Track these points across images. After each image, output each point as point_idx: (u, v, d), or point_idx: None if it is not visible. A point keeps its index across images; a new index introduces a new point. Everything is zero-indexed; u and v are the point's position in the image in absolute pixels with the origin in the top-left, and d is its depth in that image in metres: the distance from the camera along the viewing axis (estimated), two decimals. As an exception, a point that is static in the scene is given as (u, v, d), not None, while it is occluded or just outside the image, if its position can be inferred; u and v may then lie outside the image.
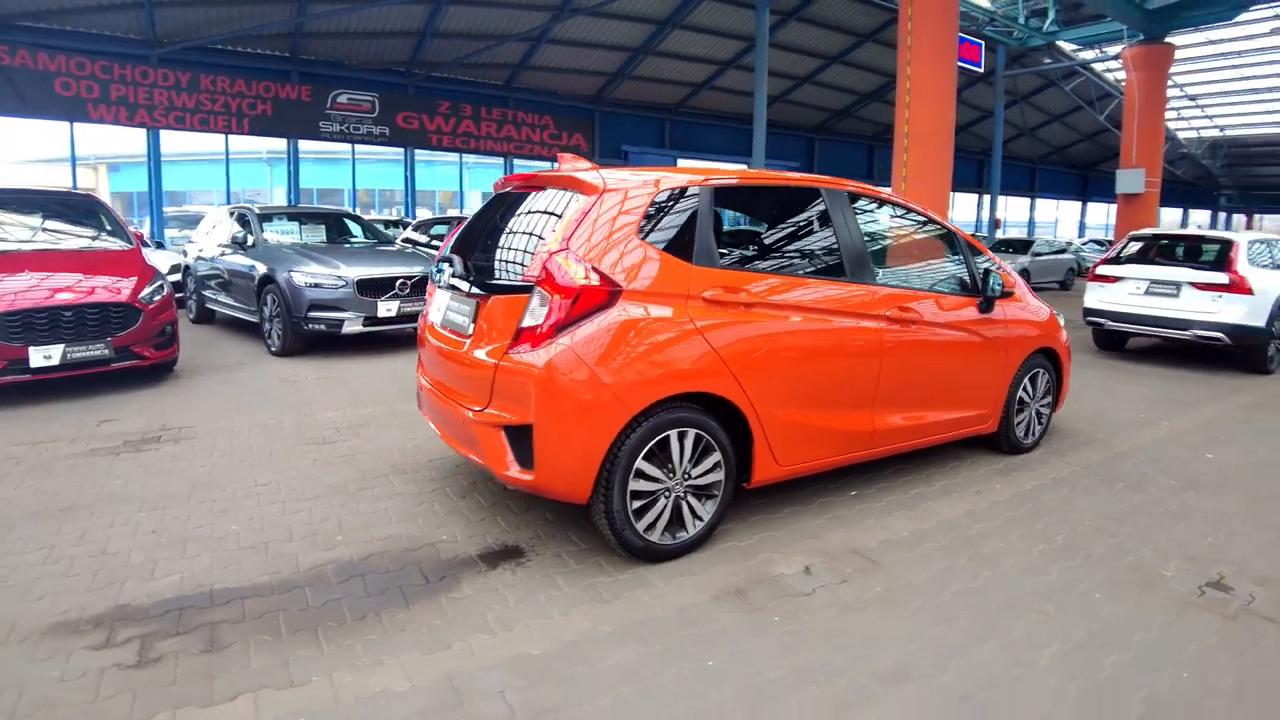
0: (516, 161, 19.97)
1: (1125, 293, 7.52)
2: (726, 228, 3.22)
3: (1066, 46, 21.43)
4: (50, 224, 6.03)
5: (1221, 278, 6.88)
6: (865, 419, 3.38)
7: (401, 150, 18.40)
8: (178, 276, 9.24)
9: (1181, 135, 29.94)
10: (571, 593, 2.58)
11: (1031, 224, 32.98)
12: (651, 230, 2.79)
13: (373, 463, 3.94)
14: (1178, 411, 5.56)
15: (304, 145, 16.96)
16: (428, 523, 3.17)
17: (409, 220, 14.64)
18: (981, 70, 17.61)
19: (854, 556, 2.94)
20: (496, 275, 2.95)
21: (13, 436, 4.30)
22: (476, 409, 2.78)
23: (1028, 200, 32.98)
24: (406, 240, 10.50)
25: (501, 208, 3.31)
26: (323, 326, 6.76)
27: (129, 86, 14.20)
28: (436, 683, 2.05)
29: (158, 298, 5.57)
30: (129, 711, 1.93)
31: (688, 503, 2.84)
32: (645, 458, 2.68)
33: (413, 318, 7.14)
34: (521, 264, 2.81)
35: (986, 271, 3.92)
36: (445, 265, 3.27)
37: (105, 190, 21.16)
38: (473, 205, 21.37)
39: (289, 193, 17.02)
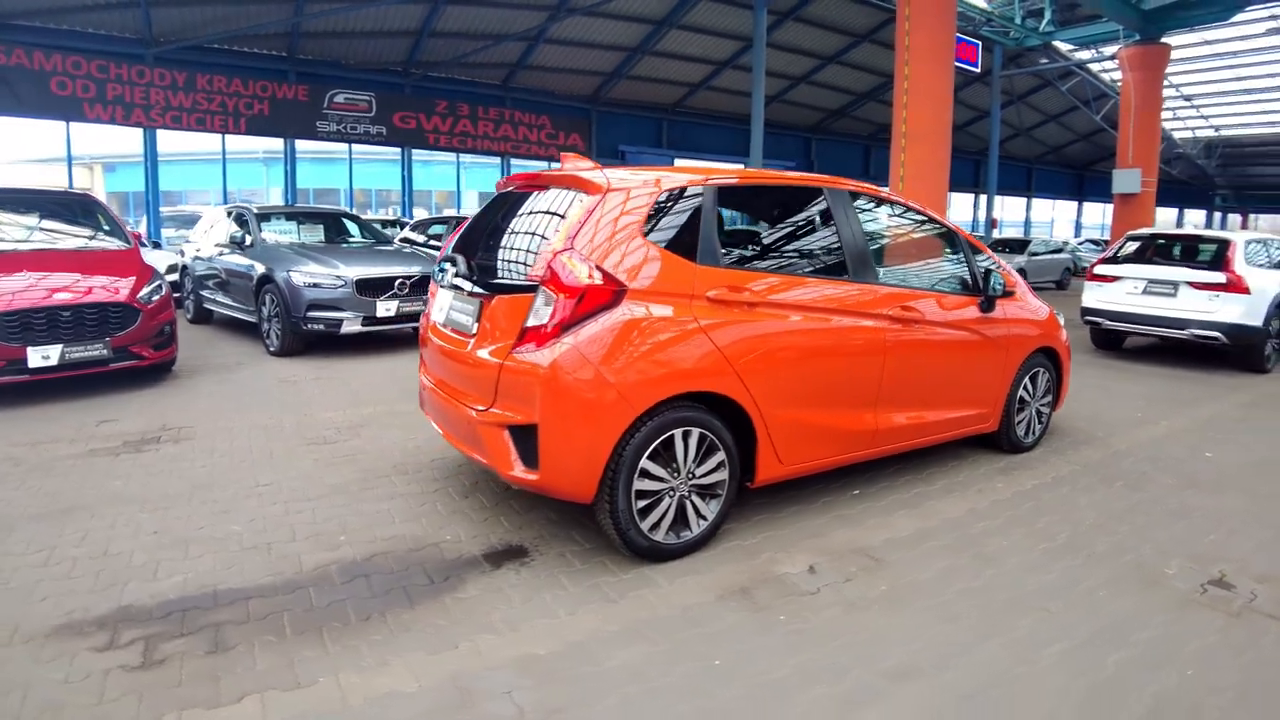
0: (513, 161, 19.96)
1: (1123, 292, 7.54)
2: (730, 227, 3.22)
3: (1063, 47, 21.48)
4: (47, 224, 6.00)
5: (1219, 277, 6.91)
6: (868, 418, 3.39)
7: (398, 150, 18.36)
8: (175, 276, 9.21)
9: (1177, 135, 30.06)
10: (577, 592, 2.58)
11: (1028, 224, 33.07)
12: (655, 230, 2.79)
13: (374, 463, 3.94)
14: (1176, 410, 5.58)
15: (300, 145, 16.91)
16: (431, 523, 3.17)
17: (406, 220, 14.62)
18: (978, 70, 17.66)
19: (858, 555, 2.94)
20: (500, 275, 2.94)
21: (11, 437, 4.28)
22: (480, 409, 2.78)
23: (1024, 200, 33.07)
24: (404, 240, 10.49)
25: (504, 207, 3.31)
26: (321, 326, 6.74)
27: (125, 86, 14.14)
28: (443, 683, 2.05)
29: (156, 298, 5.55)
30: (135, 713, 1.93)
31: (692, 502, 2.85)
32: (650, 457, 2.68)
33: (411, 318, 7.13)
34: (525, 263, 2.81)
35: (988, 271, 3.93)
36: (448, 265, 3.26)
37: (101, 190, 21.07)
38: (469, 205, 21.35)
39: (286, 192, 16.98)
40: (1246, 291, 6.80)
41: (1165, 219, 34.01)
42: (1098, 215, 36.93)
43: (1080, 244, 24.83)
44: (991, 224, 24.20)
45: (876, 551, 2.99)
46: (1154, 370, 7.20)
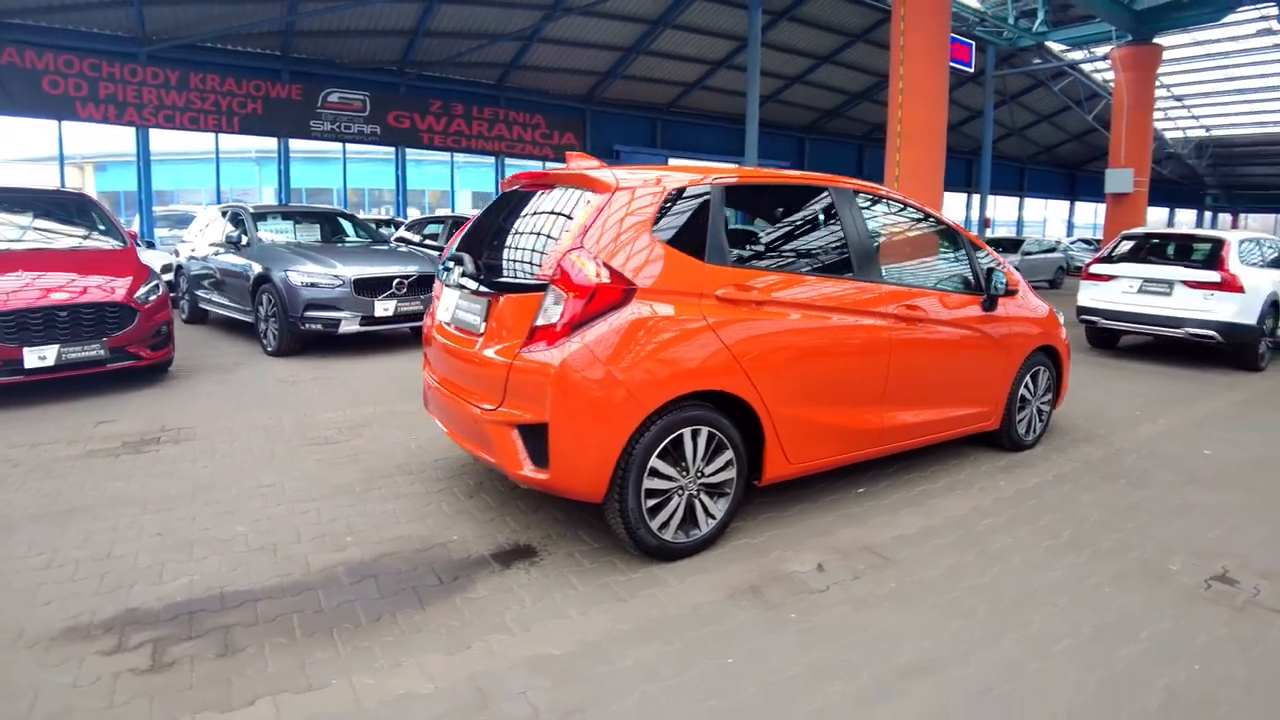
0: (508, 161, 19.92)
1: (1119, 291, 7.59)
2: (737, 226, 3.22)
3: (1055, 47, 21.60)
4: (43, 223, 5.94)
5: (1214, 276, 6.96)
6: (873, 416, 3.40)
7: (391, 150, 18.28)
8: (170, 276, 9.14)
9: (1168, 135, 30.28)
10: (587, 592, 2.57)
11: (1020, 223, 33.24)
12: (663, 228, 2.79)
13: (377, 463, 3.92)
14: (1173, 408, 5.62)
15: (293, 144, 16.82)
16: (437, 523, 3.15)
17: (401, 220, 14.56)
18: (971, 70, 17.73)
19: (865, 553, 2.95)
20: (509, 274, 2.94)
21: (9, 439, 4.24)
22: (489, 408, 2.77)
23: (1016, 200, 33.23)
24: (400, 240, 10.45)
25: (509, 206, 3.29)
26: (319, 326, 6.71)
27: (118, 85, 14.02)
28: (459, 684, 2.04)
29: (153, 297, 5.51)
30: (147, 717, 1.91)
31: (700, 501, 2.84)
32: (659, 456, 2.68)
33: (409, 317, 7.10)
34: (534, 263, 2.80)
35: (990, 270, 3.95)
36: (453, 264, 3.25)
37: (91, 190, 20.90)
38: (463, 205, 21.29)
39: (279, 192, 16.87)
40: (1241, 290, 6.86)
41: (1156, 219, 34.32)
42: (1090, 215, 37.17)
43: (1073, 243, 24.98)
44: (985, 223, 24.32)
45: (884, 549, 2.99)
46: (1149, 368, 7.25)
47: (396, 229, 11.90)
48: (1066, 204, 36.71)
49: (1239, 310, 6.88)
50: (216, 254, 7.92)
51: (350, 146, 17.67)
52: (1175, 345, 8.05)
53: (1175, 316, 7.13)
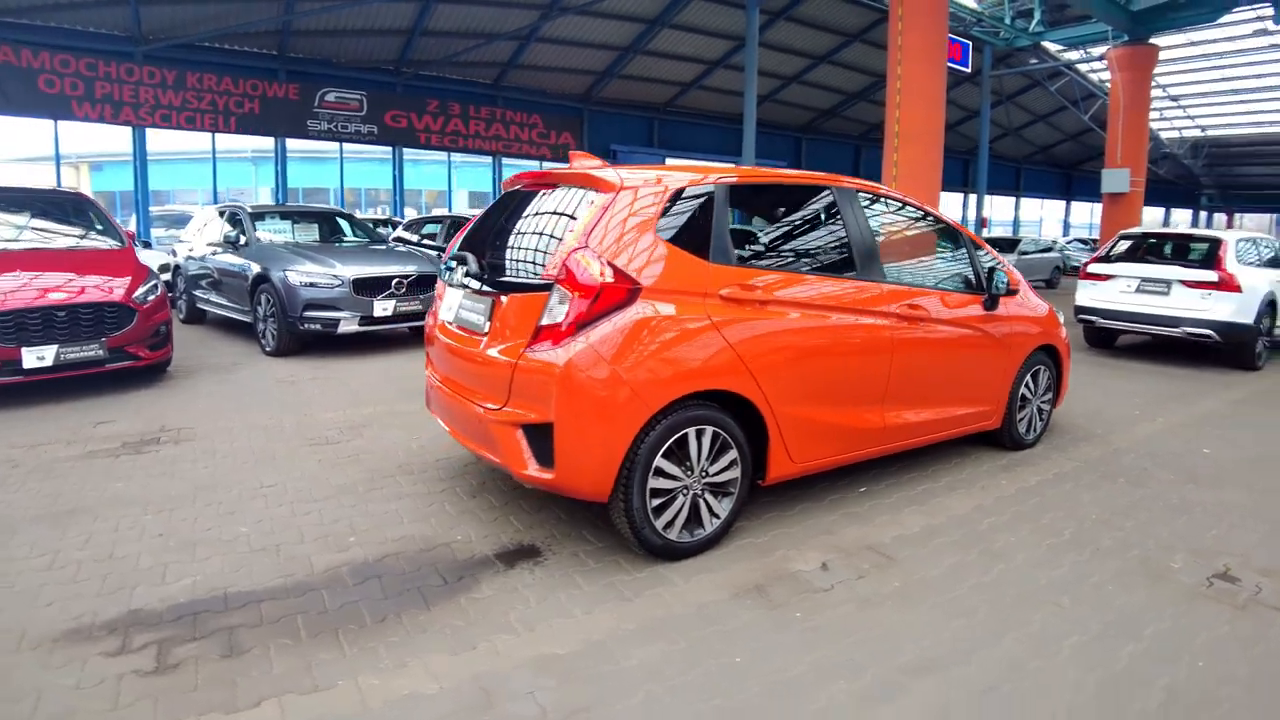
0: (505, 160, 19.91)
1: (1116, 291, 7.61)
2: (741, 225, 3.23)
3: (1052, 47, 21.67)
4: (40, 223, 5.92)
5: (1211, 276, 6.98)
6: (876, 416, 3.41)
7: (387, 149, 18.25)
8: (167, 276, 9.12)
9: (1164, 135, 30.39)
10: (592, 591, 2.57)
11: (1016, 223, 33.33)
12: (668, 228, 2.79)
13: (379, 463, 3.91)
14: (1171, 407, 5.64)
15: (290, 144, 16.78)
16: (440, 523, 3.15)
17: (398, 219, 14.53)
18: (968, 70, 17.77)
19: (869, 552, 2.95)
20: (513, 273, 2.93)
21: (8, 439, 4.22)
22: (493, 407, 2.76)
23: (1013, 199, 33.32)
24: (397, 239, 10.43)
25: (511, 206, 3.29)
26: (318, 326, 6.70)
27: (114, 84, 13.98)
28: (464, 684, 2.04)
29: (152, 297, 5.49)
30: (151, 719, 1.90)
31: (705, 500, 2.85)
32: (664, 455, 2.68)
33: (408, 317, 7.09)
34: (538, 262, 2.79)
35: (991, 269, 3.96)
36: (456, 264, 3.25)
37: (87, 190, 20.81)
38: (460, 204, 21.26)
39: (276, 192, 16.84)
40: (1238, 290, 6.88)
41: (1152, 218, 34.42)
42: (1085, 214, 37.29)
43: (1069, 243, 25.06)
44: (982, 223, 24.37)
45: (887, 548, 3.00)
46: (1147, 368, 7.28)
47: (394, 229, 11.87)
48: (1062, 204, 36.82)
49: (1236, 309, 6.90)
50: (214, 254, 7.90)
51: (347, 146, 17.65)
52: (1172, 344, 8.08)
53: (1173, 316, 7.16)
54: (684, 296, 2.73)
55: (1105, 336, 8.31)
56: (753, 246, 3.30)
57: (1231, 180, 37.19)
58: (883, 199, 3.78)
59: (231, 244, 7.56)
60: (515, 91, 19.46)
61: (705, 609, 2.48)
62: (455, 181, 21.19)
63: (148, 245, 12.09)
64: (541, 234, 2.92)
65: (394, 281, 6.97)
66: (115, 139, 15.02)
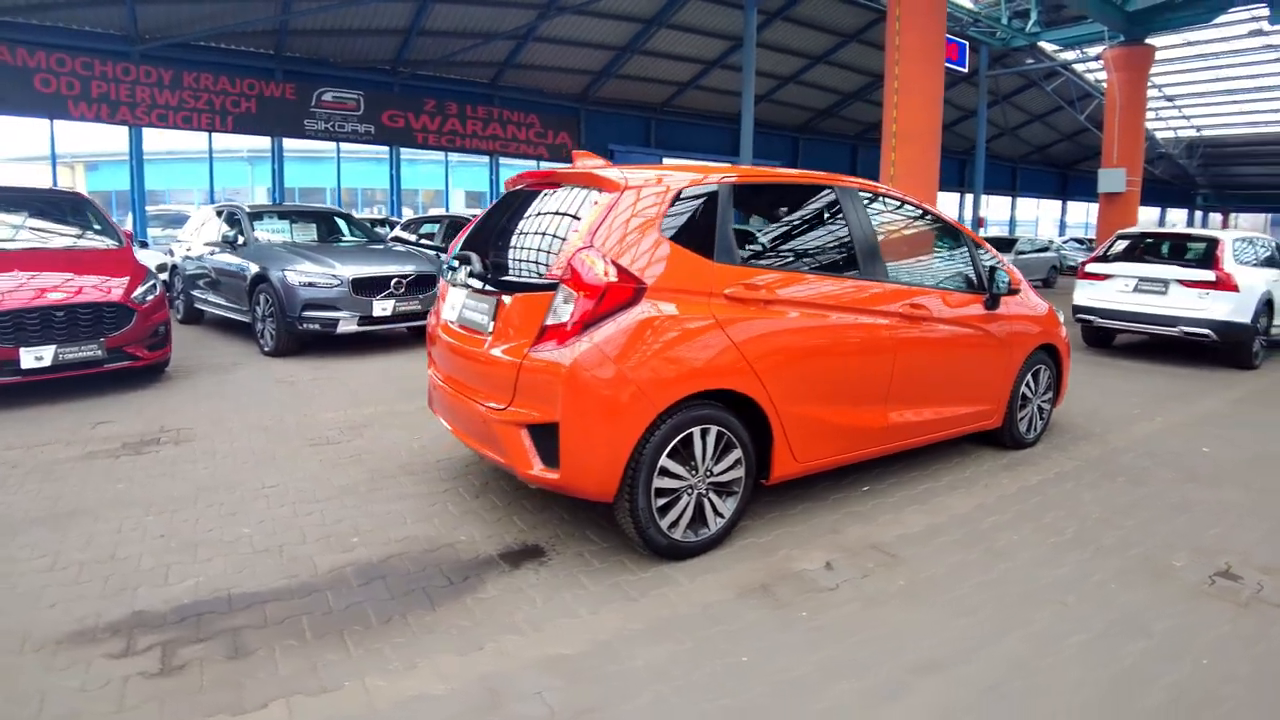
0: (502, 160, 19.89)
1: (1114, 290, 7.64)
2: (744, 225, 3.23)
3: (1048, 47, 21.72)
4: (38, 222, 5.89)
5: (1209, 275, 7.01)
6: (879, 415, 3.41)
7: (384, 149, 18.21)
8: (164, 276, 9.08)
9: (1159, 135, 30.49)
10: (598, 591, 2.57)
11: (1012, 223, 33.41)
12: (673, 227, 2.79)
13: (380, 463, 3.90)
14: (1169, 406, 5.66)
15: (286, 144, 16.73)
16: (444, 523, 3.14)
17: (395, 219, 14.50)
18: (965, 70, 17.81)
19: (873, 551, 2.96)
20: (517, 273, 2.93)
21: (6, 440, 4.20)
22: (497, 407, 2.76)
23: (1009, 199, 33.40)
24: (395, 239, 10.40)
25: (514, 206, 3.29)
26: (317, 326, 6.68)
27: (110, 83, 13.92)
28: (472, 685, 2.03)
29: (150, 297, 5.47)
30: (158, 720, 1.90)
31: (709, 500, 2.85)
32: (669, 455, 2.68)
33: (407, 317, 7.08)
34: (543, 262, 2.79)
35: (992, 269, 3.97)
36: (459, 263, 3.24)
37: (83, 190, 20.72)
38: (457, 204, 21.23)
39: (273, 192, 16.80)
40: (1235, 289, 6.91)
41: (1147, 218, 34.50)
42: (1081, 214, 37.39)
43: (1065, 242, 25.12)
44: (979, 223, 24.44)
45: (890, 547, 3.00)
46: (1145, 367, 7.30)
47: (391, 229, 11.84)
48: (1059, 203, 36.92)
49: (1234, 309, 6.93)
50: (212, 253, 7.87)
51: (343, 146, 17.61)
52: (1170, 344, 8.11)
53: (1170, 315, 7.18)
54: (688, 296, 2.73)
55: (1103, 336, 8.33)
56: (756, 246, 3.30)
57: (1226, 180, 37.35)
58: (885, 199, 3.78)
59: (230, 244, 7.54)
60: (512, 91, 19.44)
61: (711, 609, 2.48)
62: (451, 181, 21.17)
63: (144, 245, 12.03)
64: (546, 234, 2.91)
65: (393, 281, 6.96)
66: (110, 138, 14.95)
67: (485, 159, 19.86)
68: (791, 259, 3.33)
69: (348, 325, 6.76)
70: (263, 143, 16.60)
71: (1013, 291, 4.06)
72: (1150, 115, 21.51)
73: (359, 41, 16.44)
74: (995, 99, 25.07)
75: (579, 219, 2.78)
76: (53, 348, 4.88)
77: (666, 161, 20.80)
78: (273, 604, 2.46)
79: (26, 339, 4.81)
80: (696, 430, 2.73)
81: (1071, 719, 1.99)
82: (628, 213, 2.69)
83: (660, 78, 20.76)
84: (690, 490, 2.79)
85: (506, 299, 2.86)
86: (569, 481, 2.62)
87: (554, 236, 2.85)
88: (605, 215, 2.67)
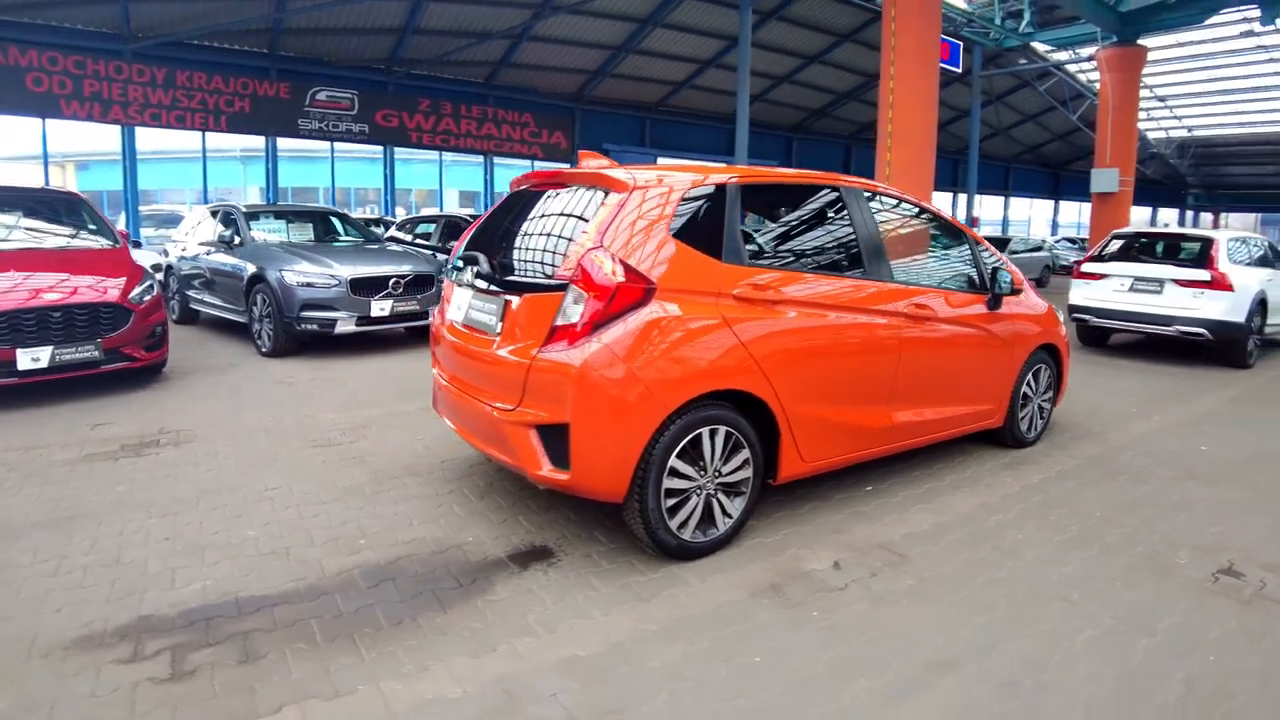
0: (496, 160, 19.85)
1: (1110, 289, 7.68)
2: (750, 225, 3.23)
3: (1041, 48, 21.84)
4: (32, 222, 5.84)
5: (1204, 275, 7.06)
6: (884, 415, 3.42)
7: (377, 148, 18.14)
8: (159, 276, 9.01)
9: (1151, 135, 30.69)
10: (608, 592, 2.57)
11: (1005, 222, 33.58)
12: (681, 228, 2.79)
13: (384, 464, 3.88)
14: (1167, 405, 5.69)
15: (279, 143, 16.64)
16: (450, 524, 3.13)
17: (390, 219, 14.44)
18: (959, 70, 17.87)
19: (881, 550, 2.97)
20: (525, 274, 2.92)
21: (4, 442, 4.15)
22: (506, 408, 2.75)
23: (1002, 199, 33.57)
24: (391, 239, 10.36)
25: (518, 206, 3.28)
26: (315, 327, 6.64)
27: (103, 82, 13.80)
28: (488, 687, 2.03)
29: (148, 298, 5.43)
30: (171, 725, 1.88)
31: (718, 500, 2.85)
32: (678, 455, 2.68)
33: (405, 317, 7.06)
34: (551, 263, 2.78)
35: (995, 269, 3.98)
36: (464, 263, 3.23)
37: (74, 189, 20.54)
38: (451, 204, 21.18)
39: (267, 191, 16.71)
40: (1230, 289, 6.96)
41: (1139, 218, 34.76)
42: (1073, 214, 37.62)
43: (1057, 242, 25.29)
44: (972, 222, 24.54)
45: (898, 546, 3.01)
46: (1141, 366, 7.35)
47: (386, 229, 11.80)
48: (1051, 203, 37.12)
49: (1228, 308, 6.98)
50: (208, 254, 7.82)
51: (337, 145, 17.53)
52: (1165, 343, 8.16)
53: (1166, 314, 7.23)
54: (697, 296, 2.73)
55: (1098, 335, 8.38)
56: (763, 245, 3.31)
57: (1217, 180, 37.65)
58: (889, 199, 3.79)
59: (226, 244, 7.49)
60: (507, 91, 19.40)
61: (722, 609, 2.48)
62: (445, 181, 21.11)
63: (138, 245, 11.93)
64: (553, 234, 2.90)
65: (391, 281, 6.93)
66: (102, 138, 14.85)
67: (479, 159, 19.82)
68: (798, 259, 3.33)
69: (346, 326, 6.73)
70: (255, 142, 16.51)
71: (1015, 292, 4.08)
72: (1142, 115, 21.63)
73: (353, 40, 16.37)
74: (989, 99, 25.17)
75: (587, 220, 2.78)
76: (50, 349, 4.83)
77: (661, 161, 20.82)
78: (282, 607, 2.45)
79: (23, 340, 4.76)
80: (705, 430, 2.73)
81: (1085, 715, 2.00)
82: (636, 213, 2.69)
83: (655, 77, 20.75)
84: (699, 490, 2.79)
85: (514, 300, 2.85)
86: (579, 482, 2.61)
87: (562, 237, 2.84)
88: (614, 216, 2.67)
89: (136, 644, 2.23)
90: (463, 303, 3.19)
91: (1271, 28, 17.47)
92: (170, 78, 14.50)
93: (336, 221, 8.79)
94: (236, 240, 7.46)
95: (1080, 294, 7.94)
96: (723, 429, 2.77)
